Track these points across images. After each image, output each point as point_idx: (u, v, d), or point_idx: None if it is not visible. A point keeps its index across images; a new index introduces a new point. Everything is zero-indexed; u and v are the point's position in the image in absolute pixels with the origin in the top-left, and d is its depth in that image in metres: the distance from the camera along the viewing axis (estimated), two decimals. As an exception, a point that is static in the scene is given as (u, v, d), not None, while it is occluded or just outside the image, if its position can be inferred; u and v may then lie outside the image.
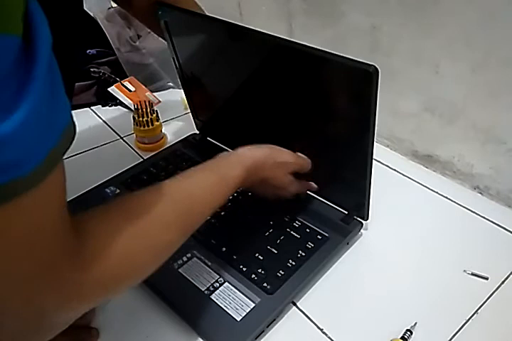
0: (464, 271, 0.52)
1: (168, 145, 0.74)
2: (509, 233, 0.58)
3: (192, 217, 0.39)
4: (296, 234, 0.55)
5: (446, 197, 0.63)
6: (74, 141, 0.27)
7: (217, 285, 0.49)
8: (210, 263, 0.51)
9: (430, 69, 0.60)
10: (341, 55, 0.41)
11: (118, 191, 0.62)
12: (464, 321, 0.47)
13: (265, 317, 0.46)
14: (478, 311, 0.48)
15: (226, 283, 0.49)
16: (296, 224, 0.56)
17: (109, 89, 0.87)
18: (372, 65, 0.38)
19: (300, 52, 0.44)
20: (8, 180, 0.22)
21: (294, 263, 0.51)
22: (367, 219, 0.56)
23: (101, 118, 0.85)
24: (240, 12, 0.91)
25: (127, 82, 0.89)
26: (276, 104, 0.54)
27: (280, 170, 0.51)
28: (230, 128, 0.68)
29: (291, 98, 0.51)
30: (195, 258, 0.52)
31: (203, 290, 0.48)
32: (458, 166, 0.66)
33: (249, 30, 0.48)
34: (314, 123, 0.52)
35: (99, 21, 0.89)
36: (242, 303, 0.47)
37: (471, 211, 0.61)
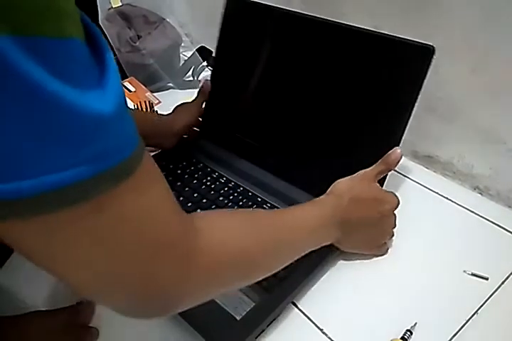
0: (464, 271, 0.52)
1: (168, 146, 0.74)
2: (509, 233, 0.57)
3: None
4: None
5: (447, 198, 0.63)
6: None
7: None
8: None
9: (430, 68, 0.60)
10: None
11: None
12: (464, 321, 0.47)
13: (265, 316, 0.46)
14: (478, 311, 0.48)
15: None
16: None
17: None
18: (430, 44, 0.47)
19: (360, 34, 0.52)
20: (123, 159, 0.24)
21: (294, 262, 0.51)
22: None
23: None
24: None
25: (127, 83, 0.89)
26: (322, 94, 0.57)
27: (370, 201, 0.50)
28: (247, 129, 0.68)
29: (341, 83, 0.55)
30: None
31: None
32: (458, 166, 0.66)
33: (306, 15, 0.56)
34: (359, 112, 0.55)
35: (99, 21, 0.89)
36: (242, 303, 0.47)
37: (471, 211, 0.61)
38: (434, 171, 0.70)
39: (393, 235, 0.55)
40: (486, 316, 0.47)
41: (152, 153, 0.71)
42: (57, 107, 0.20)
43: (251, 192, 0.61)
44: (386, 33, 0.51)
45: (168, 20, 0.96)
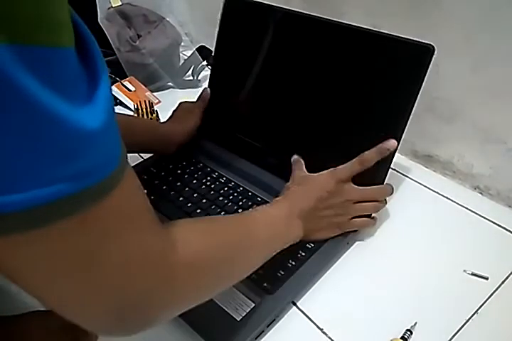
0: (464, 271, 0.52)
1: (168, 145, 0.74)
2: (509, 233, 0.57)
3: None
4: None
5: (446, 197, 0.63)
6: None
7: None
8: None
9: (430, 69, 0.60)
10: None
11: None
12: (464, 321, 0.47)
13: (265, 317, 0.46)
14: (478, 311, 0.48)
15: None
16: None
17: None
18: (430, 44, 0.47)
19: (360, 33, 0.53)
20: (105, 177, 0.24)
21: (294, 263, 0.51)
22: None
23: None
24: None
25: (127, 82, 0.89)
26: (319, 93, 0.58)
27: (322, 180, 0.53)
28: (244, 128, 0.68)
29: (341, 83, 0.56)
30: None
31: None
32: (458, 166, 0.66)
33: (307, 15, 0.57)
34: (357, 110, 0.55)
35: (99, 21, 0.89)
36: (242, 303, 0.47)
37: (471, 211, 0.61)
38: (434, 171, 0.70)
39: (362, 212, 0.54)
40: (486, 316, 0.47)
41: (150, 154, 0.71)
42: (51, 120, 0.20)
43: (251, 192, 0.61)
44: (386, 32, 0.51)
45: (167, 19, 0.96)
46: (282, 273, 0.50)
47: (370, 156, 0.52)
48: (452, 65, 0.58)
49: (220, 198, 0.61)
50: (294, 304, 0.49)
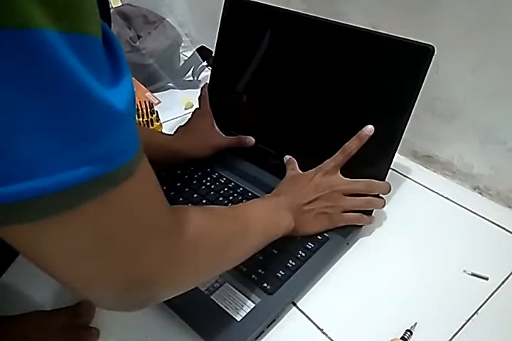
0: (464, 271, 0.52)
1: (168, 146, 0.74)
2: (509, 233, 0.57)
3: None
4: None
5: (446, 198, 0.63)
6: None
7: (218, 285, 0.49)
8: None
9: (430, 68, 0.60)
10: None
11: None
12: (464, 321, 0.47)
13: (265, 317, 0.46)
14: (478, 311, 0.48)
15: (226, 284, 0.49)
16: None
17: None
18: (430, 44, 0.47)
19: (360, 34, 0.53)
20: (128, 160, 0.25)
21: (294, 263, 0.51)
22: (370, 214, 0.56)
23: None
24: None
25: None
26: (318, 94, 0.58)
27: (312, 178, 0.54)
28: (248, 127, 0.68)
29: (341, 83, 0.56)
30: None
31: (203, 290, 0.48)
32: (458, 166, 0.66)
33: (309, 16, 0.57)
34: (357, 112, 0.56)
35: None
36: (242, 303, 0.47)
37: (471, 211, 0.61)
38: (434, 171, 0.70)
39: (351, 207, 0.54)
40: (486, 316, 0.47)
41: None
42: (88, 99, 0.21)
43: (251, 192, 0.61)
44: (386, 32, 0.51)
45: (168, 20, 0.96)
46: (282, 273, 0.50)
47: (351, 144, 0.53)
48: (452, 65, 0.58)
49: (220, 198, 0.61)
50: (294, 304, 0.49)
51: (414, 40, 0.49)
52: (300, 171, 0.58)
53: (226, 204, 0.60)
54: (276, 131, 0.64)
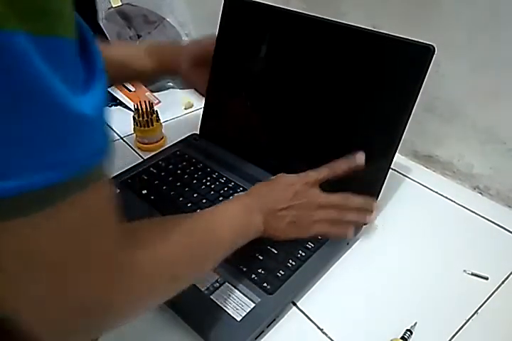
0: (464, 271, 0.52)
1: (168, 146, 0.74)
2: (509, 233, 0.57)
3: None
4: None
5: (446, 197, 0.63)
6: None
7: (217, 285, 0.49)
8: None
9: (430, 69, 0.60)
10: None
11: (118, 191, 0.62)
12: (464, 321, 0.47)
13: (265, 317, 0.46)
14: (478, 311, 0.48)
15: (226, 283, 0.49)
16: None
17: (109, 89, 0.87)
18: (431, 44, 0.48)
19: (360, 33, 0.53)
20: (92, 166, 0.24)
21: (294, 263, 0.51)
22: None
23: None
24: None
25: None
26: (318, 95, 0.58)
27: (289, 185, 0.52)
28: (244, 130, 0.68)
29: (341, 83, 0.56)
30: None
31: (202, 290, 0.48)
32: (458, 166, 0.66)
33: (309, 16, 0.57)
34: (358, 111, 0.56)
35: (99, 21, 0.89)
36: (243, 303, 0.47)
37: (471, 211, 0.61)
38: (434, 171, 0.70)
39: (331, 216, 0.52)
40: (486, 316, 0.47)
41: (152, 153, 0.71)
42: (55, 104, 0.20)
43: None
44: (386, 32, 0.51)
45: (168, 19, 0.96)
46: (282, 273, 0.50)
47: (338, 165, 0.52)
48: (452, 65, 0.58)
49: (220, 198, 0.61)
50: (294, 304, 0.49)
51: (415, 39, 0.49)
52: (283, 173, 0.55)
53: None
54: (276, 130, 0.64)
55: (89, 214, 0.26)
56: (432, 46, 0.48)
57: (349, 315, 0.48)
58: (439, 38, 0.57)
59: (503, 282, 0.51)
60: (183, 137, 0.75)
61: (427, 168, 0.70)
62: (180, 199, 0.61)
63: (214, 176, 0.65)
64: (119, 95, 0.87)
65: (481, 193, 0.65)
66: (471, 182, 0.65)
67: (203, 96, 0.72)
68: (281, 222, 0.50)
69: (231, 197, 0.60)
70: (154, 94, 0.91)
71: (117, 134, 0.80)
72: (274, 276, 0.50)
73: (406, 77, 0.50)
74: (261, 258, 0.51)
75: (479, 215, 0.60)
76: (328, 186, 0.53)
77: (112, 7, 0.92)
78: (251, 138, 0.67)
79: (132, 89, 0.89)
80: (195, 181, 0.64)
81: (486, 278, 0.51)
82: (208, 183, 0.63)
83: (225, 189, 0.62)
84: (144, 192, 0.63)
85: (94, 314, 0.28)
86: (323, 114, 0.58)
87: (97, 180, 0.25)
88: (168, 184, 0.63)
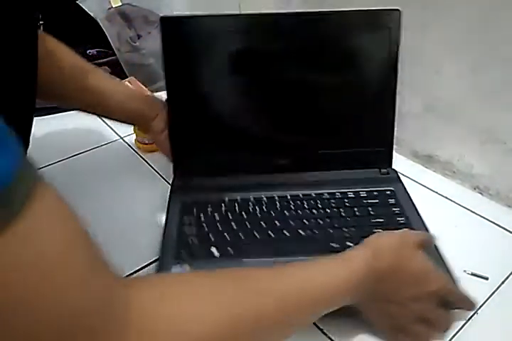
0: (464, 271, 0.52)
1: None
2: (509, 233, 0.57)
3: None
4: None
5: (446, 197, 0.63)
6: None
7: None
8: None
9: (430, 69, 0.60)
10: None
11: (188, 268, 0.48)
12: (464, 321, 0.47)
13: None
14: (478, 311, 0.48)
15: None
16: None
17: (109, 90, 0.87)
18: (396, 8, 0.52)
19: (325, 17, 0.54)
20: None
21: None
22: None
23: (101, 119, 0.84)
24: (239, 13, 0.91)
25: (127, 83, 0.89)
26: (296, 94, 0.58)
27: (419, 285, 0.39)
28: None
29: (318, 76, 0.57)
30: None
31: None
32: (458, 166, 0.66)
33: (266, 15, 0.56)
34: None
35: (99, 21, 0.89)
36: None
37: (471, 211, 0.61)
38: (434, 171, 0.70)
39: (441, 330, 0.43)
40: (486, 316, 0.47)
41: (152, 153, 0.71)
42: None
43: (290, 195, 0.58)
44: (348, 9, 0.53)
45: (168, 19, 0.96)
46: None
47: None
48: (452, 65, 0.58)
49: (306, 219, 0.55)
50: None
51: (379, 8, 0.52)
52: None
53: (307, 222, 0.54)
54: (259, 136, 0.61)
55: (32, 250, 0.19)
56: (397, 9, 0.52)
57: (349, 315, 0.48)
58: (439, 37, 0.57)
59: (503, 282, 0.51)
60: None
61: (426, 168, 0.70)
62: (228, 249, 0.51)
63: (253, 202, 0.58)
64: (119, 95, 0.87)
65: (481, 193, 0.65)
66: (471, 182, 0.65)
67: (170, 161, 0.63)
68: (384, 312, 0.41)
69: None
70: (154, 94, 0.91)
71: (117, 134, 0.80)
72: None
73: (384, 43, 0.54)
74: None
75: (479, 215, 0.60)
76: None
77: (112, 7, 0.92)
78: (236, 152, 0.62)
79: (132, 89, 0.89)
80: (243, 212, 0.56)
81: (486, 278, 0.51)
82: (249, 211, 0.56)
83: (264, 209, 0.57)
84: (214, 250, 0.51)
85: None
86: (304, 108, 0.59)
87: (24, 203, 0.18)
88: (229, 231, 0.53)
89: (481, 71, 0.56)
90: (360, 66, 0.56)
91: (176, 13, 1.05)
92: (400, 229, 0.47)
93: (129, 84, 0.88)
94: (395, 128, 0.61)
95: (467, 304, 0.44)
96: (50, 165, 0.68)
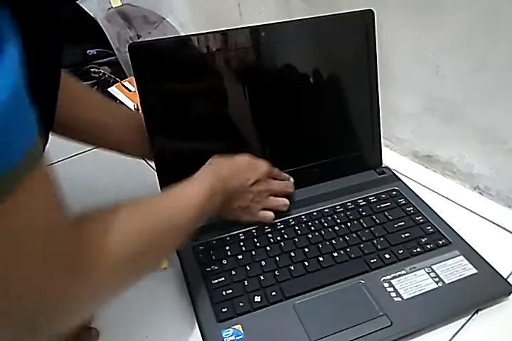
0: (464, 271, 0.52)
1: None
2: (509, 233, 0.57)
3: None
4: None
5: (446, 198, 0.63)
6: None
7: None
8: None
9: (430, 69, 0.60)
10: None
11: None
12: (464, 321, 0.47)
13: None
14: (478, 311, 0.48)
15: None
16: None
17: (109, 90, 0.87)
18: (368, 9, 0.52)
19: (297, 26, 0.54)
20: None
21: None
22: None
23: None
24: (239, 13, 0.91)
25: (127, 82, 0.89)
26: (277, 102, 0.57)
27: (247, 177, 0.51)
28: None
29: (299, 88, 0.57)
30: None
31: None
32: (458, 166, 0.66)
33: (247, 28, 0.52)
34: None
35: (99, 21, 0.89)
36: None
37: (471, 211, 0.61)
38: (434, 171, 0.70)
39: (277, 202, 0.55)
40: (486, 316, 0.47)
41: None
42: None
43: (304, 215, 0.57)
44: (321, 15, 0.54)
45: (168, 20, 0.96)
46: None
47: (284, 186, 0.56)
48: (452, 65, 0.58)
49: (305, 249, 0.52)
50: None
51: (352, 10, 0.53)
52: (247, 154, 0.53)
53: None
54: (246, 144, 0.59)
55: (27, 215, 0.24)
56: (370, 10, 0.54)
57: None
58: (439, 37, 0.57)
59: (503, 282, 0.51)
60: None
61: (426, 168, 0.70)
62: (259, 290, 0.48)
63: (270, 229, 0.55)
64: (120, 95, 0.87)
65: (481, 193, 0.65)
66: (471, 182, 0.65)
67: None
68: (235, 204, 0.52)
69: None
70: (154, 94, 0.91)
71: (117, 134, 0.80)
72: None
73: (360, 44, 0.55)
74: None
75: (479, 215, 0.60)
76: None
77: (112, 7, 0.92)
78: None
79: (132, 89, 0.89)
80: (258, 243, 0.53)
81: (486, 278, 0.51)
82: (274, 239, 0.54)
83: (312, 227, 0.55)
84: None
85: (43, 313, 0.27)
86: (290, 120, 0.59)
87: (24, 179, 0.22)
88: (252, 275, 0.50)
89: (481, 71, 0.56)
90: (339, 70, 0.56)
91: (176, 13, 1.05)
92: (427, 230, 0.55)
93: (129, 84, 0.88)
94: (396, 129, 0.61)
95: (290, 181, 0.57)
96: (49, 165, 0.68)
